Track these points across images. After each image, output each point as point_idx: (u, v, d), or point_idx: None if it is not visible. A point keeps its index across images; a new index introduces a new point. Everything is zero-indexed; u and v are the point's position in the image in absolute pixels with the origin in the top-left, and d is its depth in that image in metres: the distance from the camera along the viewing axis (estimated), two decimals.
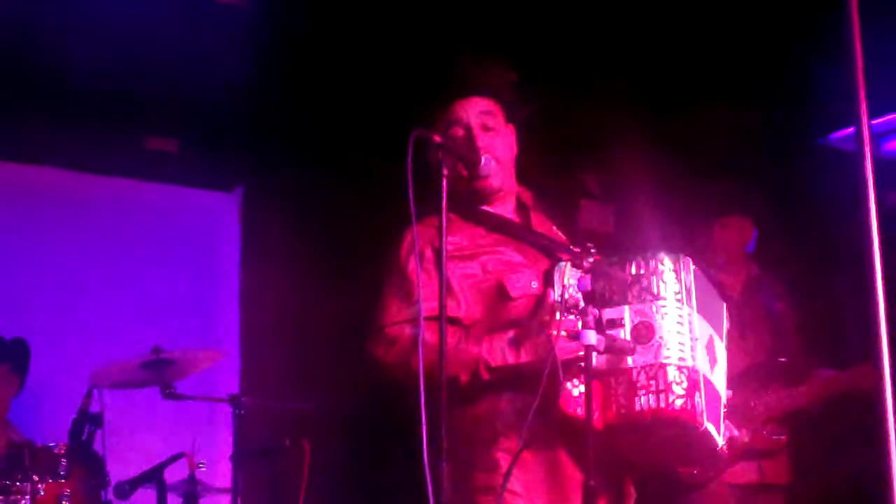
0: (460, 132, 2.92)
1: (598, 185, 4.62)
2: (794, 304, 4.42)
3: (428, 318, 2.57)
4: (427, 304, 2.58)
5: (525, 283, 2.76)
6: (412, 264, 2.70)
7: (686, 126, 4.90)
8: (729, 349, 3.89)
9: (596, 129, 4.81)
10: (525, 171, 3.07)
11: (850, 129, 2.10)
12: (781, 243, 4.43)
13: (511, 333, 2.68)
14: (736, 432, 2.82)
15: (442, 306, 2.51)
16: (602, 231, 4.41)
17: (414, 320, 2.67)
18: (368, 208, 4.41)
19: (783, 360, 4.17)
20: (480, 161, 2.85)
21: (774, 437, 4.11)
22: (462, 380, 2.65)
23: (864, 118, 2.09)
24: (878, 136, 3.85)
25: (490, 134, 2.93)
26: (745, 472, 4.10)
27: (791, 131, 4.67)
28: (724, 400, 2.71)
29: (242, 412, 4.41)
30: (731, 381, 3.88)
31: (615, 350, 2.50)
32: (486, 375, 2.67)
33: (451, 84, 3.06)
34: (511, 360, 2.65)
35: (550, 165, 4.28)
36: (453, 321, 2.70)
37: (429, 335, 2.55)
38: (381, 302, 2.83)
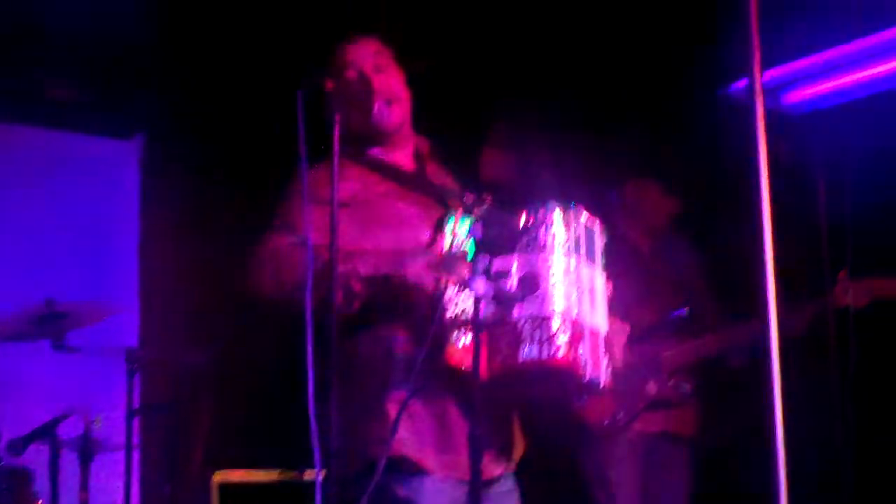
0: (353, 74, 2.85)
1: (501, 134, 4.59)
2: (700, 257, 4.45)
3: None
4: (313, 236, 2.49)
5: (416, 236, 2.71)
6: (300, 202, 2.57)
7: (590, 74, 4.89)
8: (640, 304, 3.89)
9: (498, 79, 4.79)
10: (424, 120, 3.02)
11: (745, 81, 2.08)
12: (686, 198, 4.45)
13: (388, 254, 2.63)
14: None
15: (333, 232, 2.44)
16: (503, 181, 4.39)
17: (293, 245, 2.61)
18: (271, 154, 4.34)
19: (689, 311, 4.19)
20: (374, 106, 2.81)
21: (679, 388, 4.16)
22: (337, 299, 2.51)
23: (757, 69, 2.08)
24: (777, 88, 3.86)
25: (383, 75, 2.89)
26: (652, 421, 4.14)
27: (694, 83, 4.68)
28: (603, 334, 2.67)
29: (137, 366, 4.32)
30: (643, 335, 3.97)
31: (503, 299, 2.48)
32: (356, 286, 2.57)
33: (342, 29, 3.01)
34: (384, 270, 2.58)
35: (451, 114, 4.23)
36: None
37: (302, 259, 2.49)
38: (261, 236, 2.76)
